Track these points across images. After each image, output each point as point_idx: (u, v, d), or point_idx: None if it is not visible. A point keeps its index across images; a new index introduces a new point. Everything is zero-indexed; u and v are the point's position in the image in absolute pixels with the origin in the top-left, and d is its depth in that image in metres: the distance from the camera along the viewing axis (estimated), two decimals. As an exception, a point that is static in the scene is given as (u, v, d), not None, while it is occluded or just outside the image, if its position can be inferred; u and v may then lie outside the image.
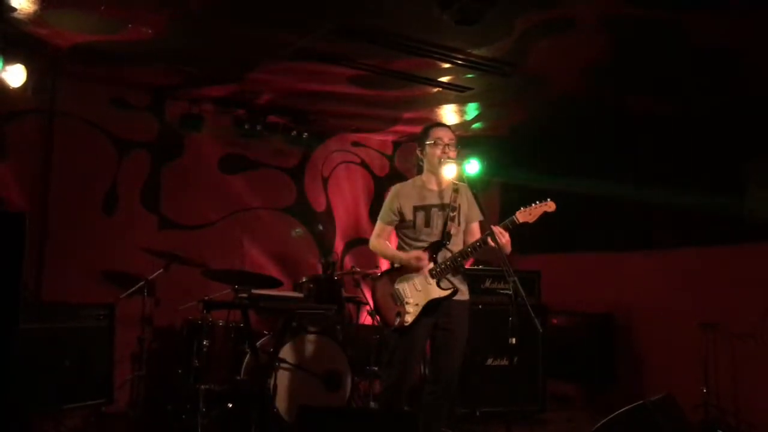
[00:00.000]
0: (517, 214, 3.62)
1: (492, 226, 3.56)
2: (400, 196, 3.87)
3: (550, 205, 3.63)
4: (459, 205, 3.83)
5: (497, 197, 7.78)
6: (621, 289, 6.40)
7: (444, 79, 5.26)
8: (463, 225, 3.86)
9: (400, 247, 3.91)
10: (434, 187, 3.88)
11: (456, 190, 3.85)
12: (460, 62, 4.85)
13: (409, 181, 4.04)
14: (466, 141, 7.07)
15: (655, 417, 3.58)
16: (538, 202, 3.62)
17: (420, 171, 4.03)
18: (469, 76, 5.16)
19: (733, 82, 5.12)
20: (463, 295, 3.81)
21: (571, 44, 4.52)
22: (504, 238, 3.56)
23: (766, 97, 5.24)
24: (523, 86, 5.37)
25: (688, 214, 5.73)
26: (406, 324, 3.66)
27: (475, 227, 3.92)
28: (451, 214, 3.79)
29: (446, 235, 3.79)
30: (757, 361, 5.20)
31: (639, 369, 6.18)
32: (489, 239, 3.55)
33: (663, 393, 3.95)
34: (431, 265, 3.73)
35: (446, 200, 3.83)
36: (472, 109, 6.12)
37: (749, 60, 4.67)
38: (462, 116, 6.33)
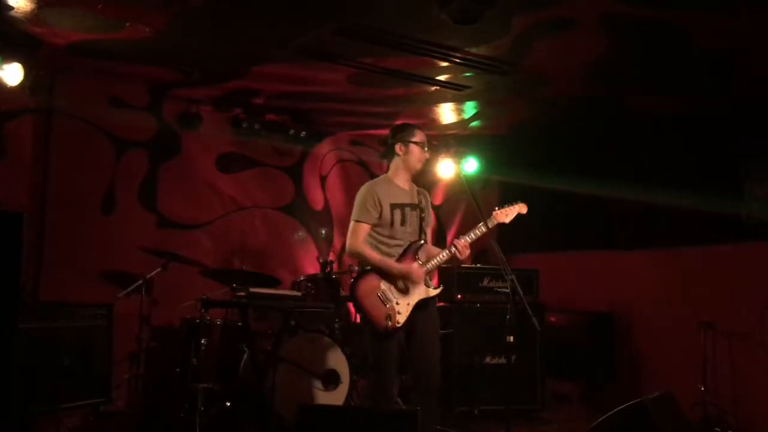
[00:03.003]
0: (495, 214, 3.83)
1: (455, 241, 3.71)
2: (378, 193, 3.78)
3: (522, 207, 3.87)
4: (424, 208, 3.91)
5: (496, 196, 7.78)
6: (620, 288, 6.41)
7: (442, 77, 5.26)
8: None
9: (373, 246, 3.78)
10: (405, 186, 3.90)
11: (419, 194, 3.93)
12: (458, 61, 4.85)
13: (379, 179, 3.99)
14: (464, 139, 7.09)
15: (653, 415, 3.59)
16: (511, 204, 3.85)
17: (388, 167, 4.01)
18: (468, 74, 5.16)
19: (732, 82, 5.12)
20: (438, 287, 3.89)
21: (570, 43, 4.52)
22: (466, 252, 3.70)
23: (765, 97, 5.24)
24: (521, 85, 5.37)
25: (687, 213, 5.73)
26: (398, 325, 3.64)
27: (429, 232, 3.99)
28: (422, 215, 3.87)
29: (423, 235, 3.86)
30: (756, 360, 5.21)
31: (638, 367, 6.18)
32: (454, 251, 3.69)
33: (661, 391, 3.96)
34: (423, 273, 3.73)
35: (415, 200, 3.89)
36: (470, 108, 6.12)
37: (749, 60, 4.67)
38: (460, 115, 6.33)
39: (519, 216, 3.87)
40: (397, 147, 3.88)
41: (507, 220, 3.84)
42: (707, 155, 5.75)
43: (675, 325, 5.83)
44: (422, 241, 3.84)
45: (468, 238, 3.72)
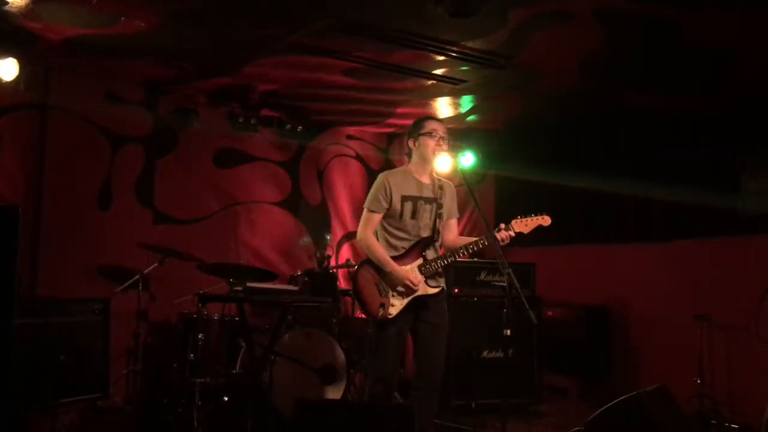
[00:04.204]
0: (513, 223, 3.72)
1: (497, 233, 3.65)
2: (390, 184, 3.78)
3: (545, 219, 3.76)
4: (443, 202, 3.86)
5: (492, 190, 7.79)
6: (616, 282, 6.42)
7: (438, 71, 5.25)
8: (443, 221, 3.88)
9: (381, 236, 3.82)
10: (423, 179, 3.86)
11: (441, 187, 3.88)
12: (454, 55, 4.84)
13: (398, 169, 3.98)
14: (460, 133, 7.08)
15: (649, 408, 3.60)
16: (534, 215, 3.73)
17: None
18: (464, 68, 5.15)
19: (728, 77, 5.12)
20: (441, 285, 3.83)
21: (567, 37, 4.51)
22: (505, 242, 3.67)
23: (761, 92, 5.24)
24: (518, 79, 5.36)
25: (683, 206, 5.75)
26: (390, 317, 3.64)
27: (453, 223, 3.97)
28: (439, 211, 3.82)
29: (436, 232, 3.81)
30: (752, 353, 5.22)
31: (635, 361, 6.20)
32: (486, 242, 3.64)
33: (657, 384, 3.97)
34: (422, 279, 3.70)
35: (433, 194, 3.84)
36: (466, 102, 6.11)
37: (745, 56, 4.67)
38: (457, 109, 6.32)
39: (540, 227, 3.74)
40: (410, 143, 3.90)
41: (526, 231, 3.73)
42: (703, 149, 5.76)
43: (671, 319, 5.84)
44: (435, 239, 3.81)
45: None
